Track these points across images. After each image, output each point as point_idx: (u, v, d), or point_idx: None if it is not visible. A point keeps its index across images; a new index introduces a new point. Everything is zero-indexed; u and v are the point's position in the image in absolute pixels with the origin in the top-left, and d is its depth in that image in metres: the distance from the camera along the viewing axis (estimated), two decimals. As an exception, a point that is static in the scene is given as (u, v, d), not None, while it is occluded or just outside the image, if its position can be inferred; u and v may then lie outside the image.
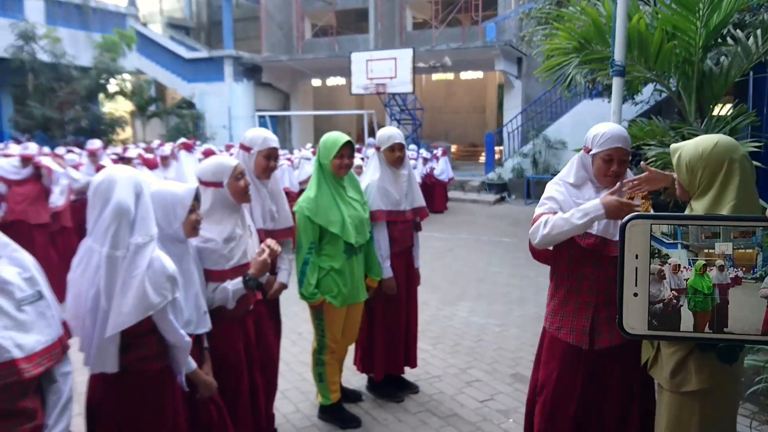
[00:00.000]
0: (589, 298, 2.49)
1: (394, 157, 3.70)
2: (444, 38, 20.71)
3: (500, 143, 19.08)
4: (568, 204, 2.47)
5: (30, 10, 18.16)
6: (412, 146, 15.55)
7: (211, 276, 2.66)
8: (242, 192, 2.78)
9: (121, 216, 1.99)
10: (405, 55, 16.87)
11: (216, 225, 2.69)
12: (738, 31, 5.06)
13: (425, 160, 14.01)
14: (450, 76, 24.07)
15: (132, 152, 7.78)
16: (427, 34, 22.13)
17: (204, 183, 2.75)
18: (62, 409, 1.80)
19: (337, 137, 3.40)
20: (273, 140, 3.15)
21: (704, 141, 1.98)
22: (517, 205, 15.26)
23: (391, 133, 3.71)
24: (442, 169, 14.04)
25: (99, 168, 7.84)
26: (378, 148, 3.75)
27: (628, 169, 2.54)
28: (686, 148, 2.01)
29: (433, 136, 24.11)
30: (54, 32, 17.25)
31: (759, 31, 4.75)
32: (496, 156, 18.33)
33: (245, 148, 3.12)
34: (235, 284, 2.69)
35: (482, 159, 20.74)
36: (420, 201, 3.89)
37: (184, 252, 2.44)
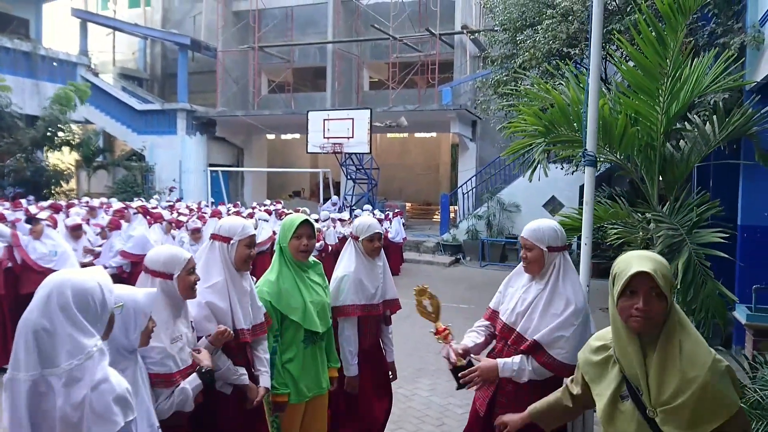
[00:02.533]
0: None
1: (373, 247, 3.55)
2: (400, 99, 21.05)
3: (454, 203, 19.24)
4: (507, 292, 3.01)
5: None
6: (367, 206, 15.46)
7: (158, 381, 2.37)
8: (191, 287, 2.58)
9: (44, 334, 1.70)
10: (362, 116, 16.98)
11: (162, 322, 2.42)
12: (695, 116, 5.19)
13: (380, 221, 13.92)
14: (404, 134, 24.40)
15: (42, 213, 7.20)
16: (383, 94, 22.48)
17: (151, 272, 2.51)
18: None
19: (293, 218, 3.24)
20: (251, 227, 3.02)
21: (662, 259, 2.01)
22: (472, 267, 15.24)
23: (370, 222, 3.57)
24: (396, 230, 13.95)
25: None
26: (356, 238, 3.56)
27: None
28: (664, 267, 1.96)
29: (387, 193, 24.19)
30: (3, 82, 16.68)
31: (715, 117, 4.88)
32: (451, 215, 18.44)
33: (223, 239, 2.93)
34: (192, 381, 2.46)
35: (436, 218, 20.84)
36: (393, 293, 3.71)
37: (133, 363, 2.16)
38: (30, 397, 1.66)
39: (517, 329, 2.79)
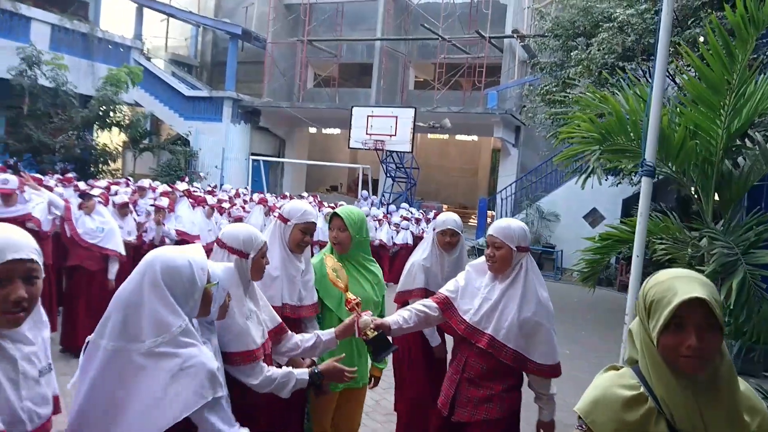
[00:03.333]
0: (460, 372, 2.88)
1: (444, 241, 3.70)
2: (444, 100, 20.97)
3: (492, 208, 19.08)
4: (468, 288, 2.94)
5: (36, 35, 18.15)
6: (404, 205, 15.45)
7: (238, 359, 2.33)
8: (261, 270, 2.55)
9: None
10: (406, 114, 16.98)
11: (235, 299, 2.37)
12: (756, 133, 5.02)
13: (417, 221, 13.88)
14: (445, 136, 24.31)
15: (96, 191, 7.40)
16: (427, 95, 22.42)
17: (228, 248, 2.47)
18: None
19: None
20: (312, 215, 3.02)
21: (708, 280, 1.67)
22: (506, 274, 15.09)
23: (446, 218, 3.74)
24: (434, 231, 13.89)
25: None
26: (434, 230, 3.78)
27: None
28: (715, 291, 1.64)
29: (424, 194, 24.15)
30: (61, 60, 17.19)
31: (778, 136, 4.71)
32: (488, 220, 18.30)
33: (282, 219, 2.99)
34: (302, 374, 2.46)
35: (472, 221, 20.70)
36: None
37: (215, 335, 2.18)
38: (106, 364, 1.73)
39: (488, 331, 2.80)
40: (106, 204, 6.46)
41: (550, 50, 10.19)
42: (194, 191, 10.72)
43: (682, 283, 1.49)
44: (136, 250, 7.21)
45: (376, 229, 11.83)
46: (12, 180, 5.66)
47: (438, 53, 21.19)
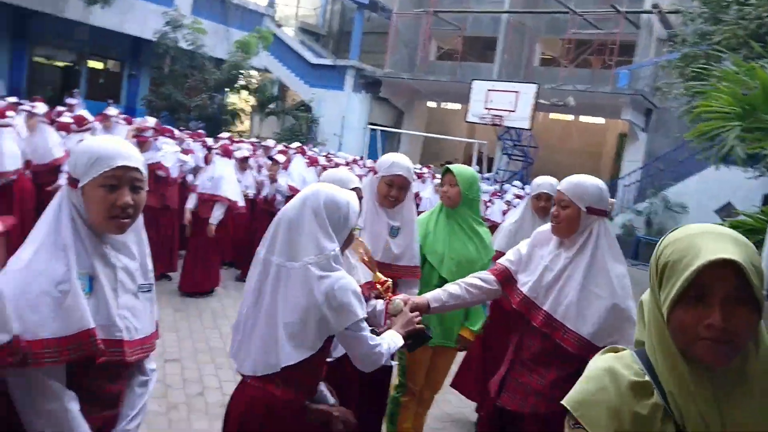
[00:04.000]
0: (513, 353, 2.55)
1: (538, 205, 3.59)
2: (571, 78, 20.00)
3: (613, 195, 18.09)
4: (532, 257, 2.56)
5: (179, 0, 19.41)
6: (517, 183, 15.02)
7: None
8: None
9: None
10: (528, 90, 16.42)
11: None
12: None
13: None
14: (569, 116, 23.26)
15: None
16: (552, 72, 21.50)
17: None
18: (143, 405, 1.78)
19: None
20: (401, 167, 2.84)
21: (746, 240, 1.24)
22: (621, 264, 14.31)
23: (542, 181, 3.60)
24: (549, 212, 13.44)
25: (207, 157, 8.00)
26: (528, 194, 3.67)
27: None
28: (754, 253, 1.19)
29: (540, 174, 23.24)
30: (199, 24, 18.31)
31: None
32: (610, 208, 17.39)
33: (373, 171, 2.97)
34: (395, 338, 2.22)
35: (590, 208, 19.74)
36: None
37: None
38: (273, 277, 1.89)
39: (545, 307, 2.38)
40: (229, 156, 6.80)
41: (699, 19, 9.32)
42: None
43: (708, 241, 1.10)
44: (252, 204, 7.60)
45: (486, 207, 11.57)
46: (150, 123, 6.18)
47: (568, 28, 20.18)
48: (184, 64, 18.16)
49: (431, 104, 24.63)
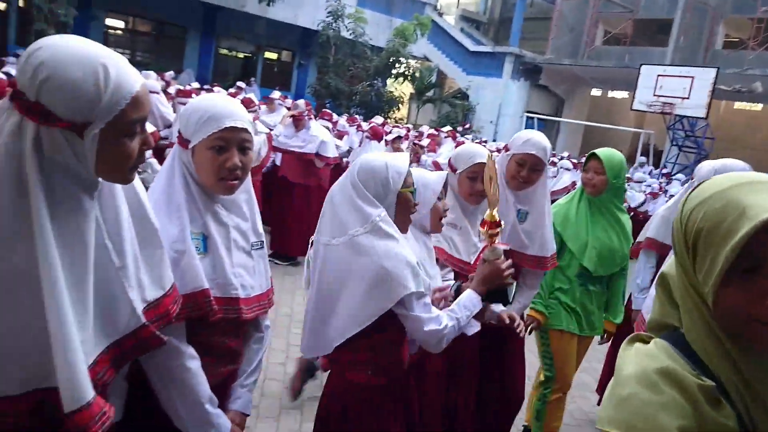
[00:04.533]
0: None
1: None
2: (759, 61, 17.89)
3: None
4: None
5: (346, -8, 20.45)
6: (679, 176, 13.82)
7: None
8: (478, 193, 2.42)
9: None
10: (705, 75, 15.02)
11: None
12: None
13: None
14: (757, 107, 20.85)
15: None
16: (737, 56, 19.35)
17: (452, 167, 2.51)
18: (260, 361, 1.80)
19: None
20: (535, 145, 2.55)
21: None
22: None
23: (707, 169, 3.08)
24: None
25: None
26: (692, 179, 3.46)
27: None
28: None
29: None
30: (361, 14, 19.10)
31: None
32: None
33: (451, 168, 2.55)
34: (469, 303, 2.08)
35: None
36: None
37: (426, 239, 2.15)
38: (321, 258, 1.82)
39: None
40: (379, 139, 7.17)
41: None
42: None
43: (752, 194, 0.85)
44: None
45: (645, 201, 10.81)
46: (301, 105, 6.61)
47: (758, 6, 18.02)
48: (346, 53, 19.07)
49: (595, 92, 23.42)
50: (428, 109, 22.80)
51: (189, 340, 1.52)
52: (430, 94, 22.15)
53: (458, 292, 2.14)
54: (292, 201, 6.41)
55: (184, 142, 1.54)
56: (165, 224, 1.45)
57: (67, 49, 1.03)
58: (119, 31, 19.91)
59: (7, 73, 5.35)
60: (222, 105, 1.54)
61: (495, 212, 2.02)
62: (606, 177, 2.93)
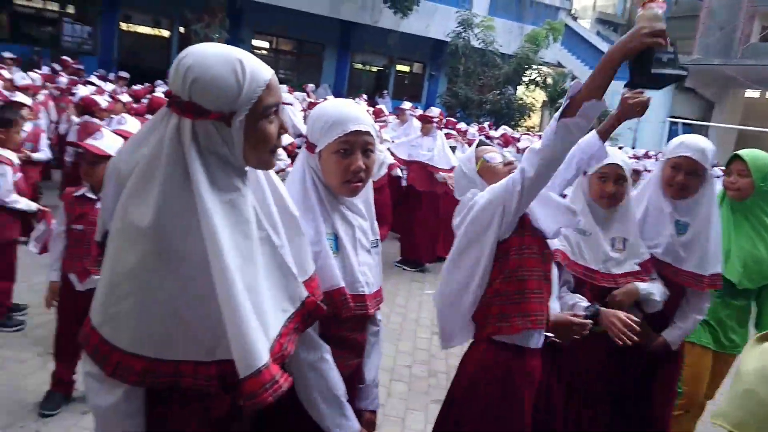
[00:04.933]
0: None
1: None
2: None
3: None
4: None
5: (477, 1, 20.42)
6: None
7: None
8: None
9: None
10: None
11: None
12: None
13: None
14: None
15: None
16: None
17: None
18: (378, 353, 1.87)
19: None
20: (691, 147, 2.38)
21: None
22: None
23: None
24: None
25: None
26: None
27: None
28: None
29: None
30: (490, 22, 19.02)
31: None
32: None
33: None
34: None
35: None
36: None
37: None
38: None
39: None
40: (506, 145, 7.17)
41: None
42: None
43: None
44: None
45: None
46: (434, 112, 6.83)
47: None
48: (476, 61, 19.06)
49: (750, 93, 21.40)
50: (563, 117, 22.09)
51: (323, 334, 1.60)
52: (563, 100, 21.42)
53: (595, 317, 2.19)
54: (419, 209, 6.55)
55: (311, 147, 1.63)
56: (306, 228, 1.52)
57: (206, 53, 1.20)
58: (264, 51, 21.44)
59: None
60: (345, 110, 1.60)
61: None
62: (752, 179, 2.71)
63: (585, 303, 2.28)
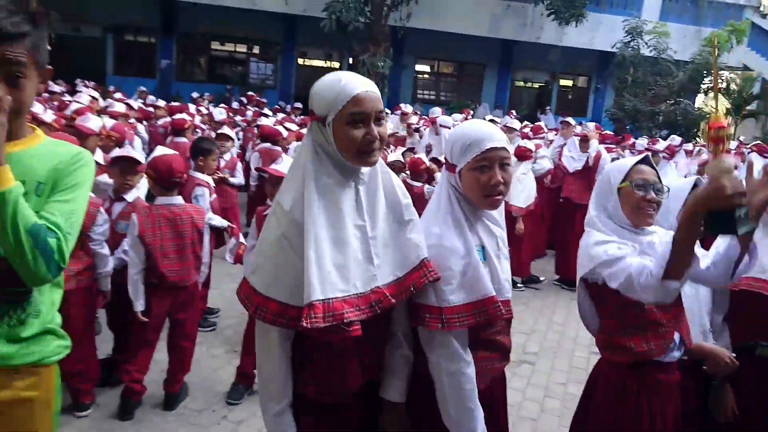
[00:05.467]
0: None
1: None
2: None
3: None
4: None
5: (647, 7, 19.24)
6: None
7: None
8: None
9: None
10: None
11: None
12: None
13: None
14: None
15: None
16: None
17: None
18: None
19: None
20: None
21: None
22: None
23: None
24: None
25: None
26: None
27: None
28: None
29: None
30: (662, 27, 17.81)
31: None
32: None
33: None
34: None
35: None
36: None
37: None
38: None
39: None
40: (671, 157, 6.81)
41: None
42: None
43: None
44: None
45: None
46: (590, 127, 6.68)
47: None
48: (646, 71, 17.91)
49: None
50: (749, 125, 19.93)
51: (477, 338, 1.74)
52: (752, 107, 19.36)
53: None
54: (575, 223, 6.24)
55: (451, 167, 1.77)
56: (453, 240, 1.70)
57: (328, 75, 1.58)
58: (426, 75, 22.17)
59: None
60: (480, 129, 1.75)
61: (719, 111, 1.73)
62: None
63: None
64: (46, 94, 8.59)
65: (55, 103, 7.46)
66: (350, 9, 15.10)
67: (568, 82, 23.06)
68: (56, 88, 10.24)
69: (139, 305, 3.17)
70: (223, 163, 5.61)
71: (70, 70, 14.54)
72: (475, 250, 1.71)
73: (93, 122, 4.50)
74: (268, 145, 6.58)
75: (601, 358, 2.18)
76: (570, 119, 8.84)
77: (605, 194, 2.07)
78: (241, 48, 20.87)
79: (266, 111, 10.82)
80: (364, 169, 1.63)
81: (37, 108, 5.08)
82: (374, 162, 1.60)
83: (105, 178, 3.63)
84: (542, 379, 4.20)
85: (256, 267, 1.60)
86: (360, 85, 1.54)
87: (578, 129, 7.83)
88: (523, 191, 6.14)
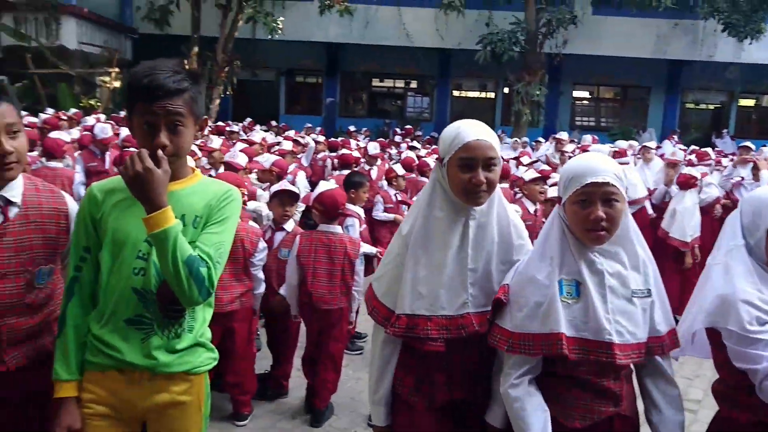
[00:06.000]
0: None
1: None
2: None
3: None
4: None
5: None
6: None
7: None
8: None
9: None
10: None
11: None
12: None
13: None
14: None
15: None
16: None
17: None
18: (677, 410, 1.83)
19: None
20: None
21: None
22: None
23: None
24: None
25: None
26: None
27: None
28: None
29: None
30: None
31: None
32: None
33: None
34: None
35: None
36: None
37: None
38: None
39: None
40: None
41: None
42: None
43: None
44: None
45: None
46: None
47: None
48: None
49: None
50: None
51: (557, 372, 1.73)
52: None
53: None
54: (669, 259, 5.70)
55: (558, 199, 1.81)
56: (534, 270, 1.75)
57: (452, 123, 1.84)
58: (585, 101, 21.37)
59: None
60: (585, 164, 1.75)
61: None
62: None
63: None
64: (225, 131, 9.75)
65: (233, 141, 8.31)
66: (504, 39, 15.14)
67: (750, 102, 20.86)
68: (234, 128, 11.39)
69: (293, 309, 3.67)
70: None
71: (248, 111, 16.30)
72: (564, 283, 1.72)
73: (240, 159, 5.35)
74: (413, 175, 6.88)
75: (719, 411, 1.93)
76: (749, 143, 8.03)
77: (754, 227, 1.81)
78: (399, 83, 21.78)
79: (415, 144, 11.13)
80: (479, 207, 1.81)
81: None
82: (480, 203, 1.79)
83: (266, 209, 4.04)
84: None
85: (379, 276, 1.96)
86: (473, 134, 1.75)
87: (754, 154, 7.06)
88: (688, 223, 5.67)
